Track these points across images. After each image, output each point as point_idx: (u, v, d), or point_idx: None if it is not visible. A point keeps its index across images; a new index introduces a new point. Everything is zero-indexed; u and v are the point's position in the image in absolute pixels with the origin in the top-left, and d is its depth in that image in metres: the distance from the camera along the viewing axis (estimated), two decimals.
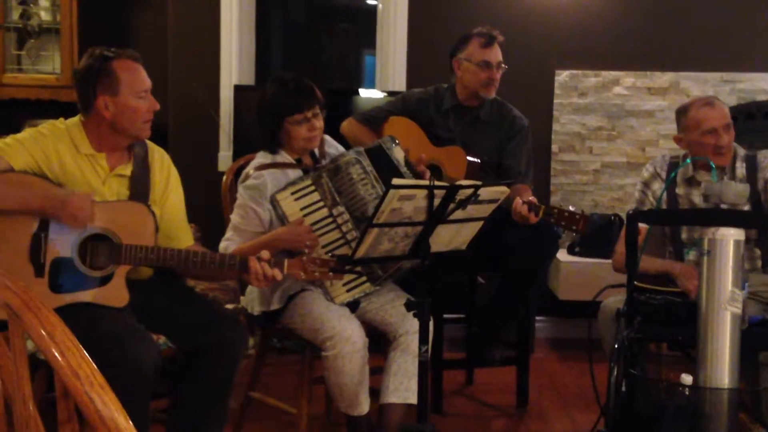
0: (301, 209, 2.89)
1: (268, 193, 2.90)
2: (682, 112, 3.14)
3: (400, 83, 4.69)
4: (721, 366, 2.35)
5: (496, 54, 3.56)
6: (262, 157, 3.01)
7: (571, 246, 4.57)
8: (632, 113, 4.75)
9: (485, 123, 3.64)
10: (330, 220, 2.89)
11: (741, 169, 3.11)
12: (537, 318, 4.56)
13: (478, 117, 3.64)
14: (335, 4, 5.98)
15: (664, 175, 3.16)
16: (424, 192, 2.46)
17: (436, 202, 2.48)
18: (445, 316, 3.63)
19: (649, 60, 4.71)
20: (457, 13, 4.63)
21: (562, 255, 4.44)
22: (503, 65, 3.59)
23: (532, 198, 3.12)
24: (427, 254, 2.57)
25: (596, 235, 4.50)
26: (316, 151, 3.06)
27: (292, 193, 2.90)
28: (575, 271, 4.35)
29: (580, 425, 3.41)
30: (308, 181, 2.91)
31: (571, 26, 4.71)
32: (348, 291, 2.91)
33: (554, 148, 4.78)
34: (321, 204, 2.90)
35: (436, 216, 2.51)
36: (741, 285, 2.41)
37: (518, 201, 3.04)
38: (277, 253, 2.78)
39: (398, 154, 2.98)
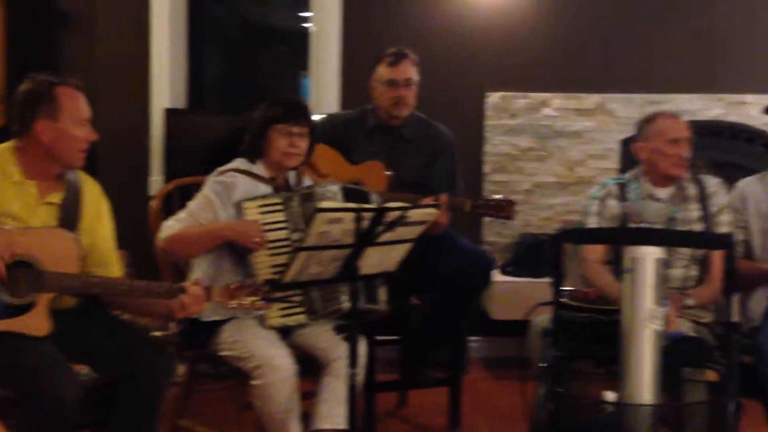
0: (263, 224, 2.89)
1: (235, 196, 2.91)
2: (647, 121, 3.25)
3: (333, 105, 4.70)
4: (642, 382, 2.41)
5: (403, 72, 3.58)
6: (240, 163, 3.03)
7: (504, 266, 4.62)
8: (561, 134, 4.83)
9: (410, 142, 3.67)
10: (286, 243, 2.90)
11: (691, 188, 3.19)
12: (471, 338, 4.58)
13: (402, 136, 3.67)
14: (272, 26, 5.98)
15: (617, 192, 3.21)
16: (352, 215, 2.48)
17: (365, 224, 2.50)
18: (379, 338, 3.62)
19: (576, 82, 4.80)
20: (390, 35, 4.66)
21: (494, 275, 4.48)
22: (414, 82, 3.61)
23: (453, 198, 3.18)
24: (356, 276, 2.59)
25: (528, 254, 4.57)
26: (293, 176, 3.08)
27: (260, 206, 2.91)
28: (508, 291, 4.39)
29: None
30: (278, 199, 2.94)
31: (501, 49, 4.78)
32: (282, 316, 2.91)
33: (486, 168, 4.83)
34: (283, 225, 2.92)
35: (365, 238, 2.52)
36: (661, 302, 2.47)
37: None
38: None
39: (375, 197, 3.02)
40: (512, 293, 4.36)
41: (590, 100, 4.80)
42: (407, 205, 2.62)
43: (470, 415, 3.78)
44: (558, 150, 4.84)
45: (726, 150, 4.62)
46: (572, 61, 4.81)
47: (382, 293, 2.99)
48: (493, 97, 4.81)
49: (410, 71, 3.61)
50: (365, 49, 4.66)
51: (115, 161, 4.58)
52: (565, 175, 4.82)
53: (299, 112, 3.03)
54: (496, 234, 4.80)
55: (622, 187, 3.21)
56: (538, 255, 4.42)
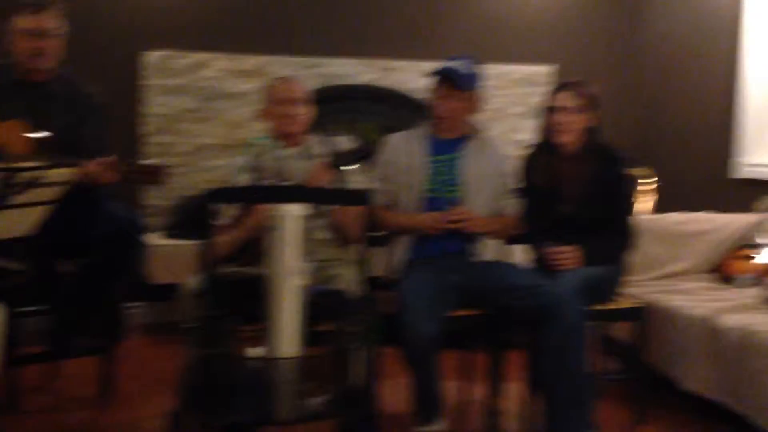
0: None
1: None
2: (265, 87, 3.36)
3: None
4: (286, 336, 2.46)
5: (43, 21, 3.34)
6: None
7: (168, 229, 4.52)
8: (223, 95, 4.80)
9: (57, 100, 3.43)
10: None
11: (317, 147, 3.30)
12: (132, 304, 4.44)
13: (48, 93, 3.42)
14: None
15: (261, 152, 3.25)
16: None
17: None
18: (25, 309, 3.38)
19: (238, 43, 4.79)
20: None
21: (155, 238, 4.38)
22: (56, 33, 3.38)
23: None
24: None
25: (188, 217, 4.51)
26: None
27: None
28: (168, 254, 4.31)
29: (164, 408, 3.38)
30: None
31: (160, 7, 4.64)
32: None
33: (146, 130, 4.68)
34: None
35: None
36: (305, 258, 2.54)
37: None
38: None
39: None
40: (172, 256, 4.28)
41: (250, 61, 4.81)
42: (40, 165, 2.44)
43: (126, 383, 3.66)
44: (220, 111, 4.81)
45: (378, 113, 4.86)
46: (233, 22, 4.79)
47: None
48: (152, 57, 4.66)
49: (51, 21, 3.37)
50: None
51: None
52: (227, 137, 4.81)
53: None
54: (159, 197, 4.67)
55: (264, 147, 3.28)
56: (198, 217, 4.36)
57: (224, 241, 3.02)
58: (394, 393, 3.49)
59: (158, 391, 3.63)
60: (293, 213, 2.50)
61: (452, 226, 3.24)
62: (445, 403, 3.22)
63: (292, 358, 2.46)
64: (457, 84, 3.29)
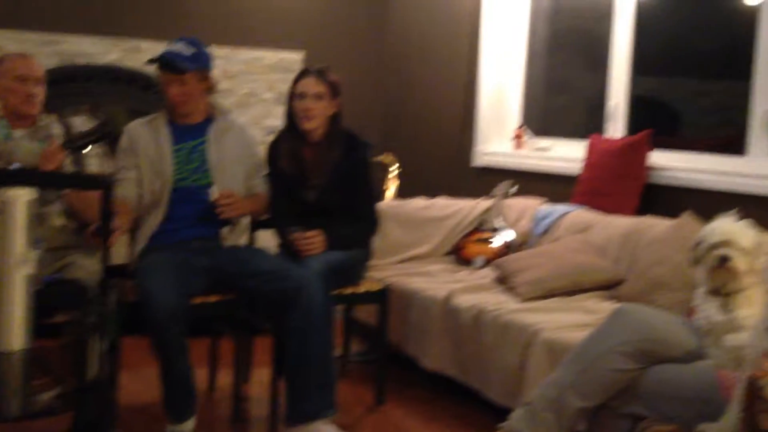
0: None
1: None
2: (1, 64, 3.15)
3: None
4: (12, 329, 2.31)
5: None
6: None
7: None
8: None
9: None
10: None
11: (55, 128, 3.14)
12: None
13: None
14: None
15: None
16: None
17: None
18: None
19: None
20: None
21: None
22: None
23: None
24: None
25: None
26: None
27: None
28: None
29: None
30: None
31: None
32: None
33: None
34: None
35: None
36: (34, 245, 2.39)
37: None
38: None
39: None
40: None
41: None
42: None
43: None
44: None
45: (125, 96, 4.66)
46: None
47: None
48: None
49: None
50: None
51: None
52: None
53: None
54: None
55: None
56: None
57: None
58: (141, 384, 3.40)
59: None
60: (21, 198, 2.34)
61: (220, 210, 3.19)
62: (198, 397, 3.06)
63: (18, 351, 2.31)
64: (175, 68, 3.20)
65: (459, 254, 4.17)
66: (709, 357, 2.48)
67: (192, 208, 3.25)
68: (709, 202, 3.20)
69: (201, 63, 3.26)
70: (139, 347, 3.12)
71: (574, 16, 4.75)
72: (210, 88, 3.33)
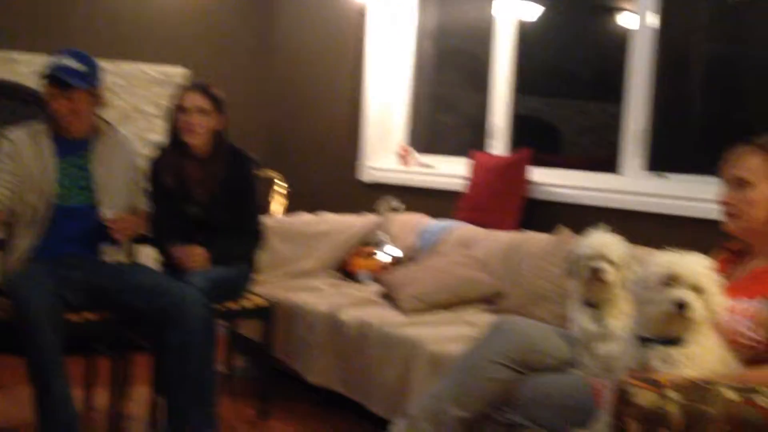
0: None
1: None
2: None
3: None
4: None
5: None
6: None
7: None
8: None
9: None
10: None
11: None
12: None
13: None
14: None
15: None
16: None
17: None
18: None
19: None
20: None
21: None
22: None
23: None
24: None
25: None
26: None
27: None
28: None
29: None
30: None
31: None
32: None
33: None
34: None
35: None
36: None
37: None
38: None
39: None
40: None
41: None
42: None
43: None
44: None
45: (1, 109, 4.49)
46: None
47: None
48: None
49: None
50: None
51: None
52: None
53: None
54: None
55: None
56: None
57: None
58: (13, 405, 3.27)
59: None
60: None
61: (115, 232, 3.11)
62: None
63: None
64: (66, 85, 3.08)
65: (345, 269, 4.18)
66: (582, 366, 2.56)
67: (76, 225, 3.15)
68: (584, 217, 3.31)
69: (94, 81, 3.16)
70: (11, 366, 3.00)
71: (458, 36, 4.85)
72: (97, 104, 3.23)
